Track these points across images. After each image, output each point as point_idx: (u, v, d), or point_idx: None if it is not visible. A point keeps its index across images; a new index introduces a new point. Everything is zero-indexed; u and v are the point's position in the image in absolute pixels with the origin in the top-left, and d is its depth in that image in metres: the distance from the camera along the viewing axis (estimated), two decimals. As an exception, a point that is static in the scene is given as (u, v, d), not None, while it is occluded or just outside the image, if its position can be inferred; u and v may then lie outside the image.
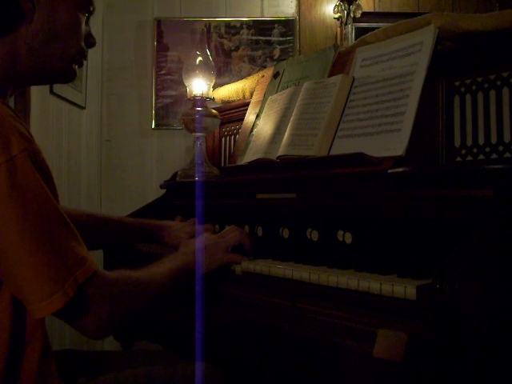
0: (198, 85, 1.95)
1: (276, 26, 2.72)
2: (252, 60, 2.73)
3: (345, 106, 1.44)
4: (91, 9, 1.06)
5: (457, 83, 1.27)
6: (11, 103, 1.58)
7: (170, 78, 2.72)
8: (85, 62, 2.49)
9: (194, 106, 1.95)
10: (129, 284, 0.96)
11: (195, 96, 1.95)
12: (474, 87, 1.24)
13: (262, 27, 2.72)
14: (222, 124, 2.06)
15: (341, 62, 1.58)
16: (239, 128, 1.95)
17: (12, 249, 0.80)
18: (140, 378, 1.09)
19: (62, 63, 1.01)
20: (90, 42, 1.08)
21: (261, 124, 1.72)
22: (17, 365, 0.91)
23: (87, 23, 1.07)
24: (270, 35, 2.72)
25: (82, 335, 0.92)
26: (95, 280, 0.87)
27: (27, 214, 0.80)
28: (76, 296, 0.83)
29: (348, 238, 1.28)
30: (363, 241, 1.24)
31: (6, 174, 0.78)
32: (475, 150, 1.23)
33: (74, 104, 2.42)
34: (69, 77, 1.06)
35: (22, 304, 0.86)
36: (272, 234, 1.48)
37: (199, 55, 1.97)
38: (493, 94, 1.20)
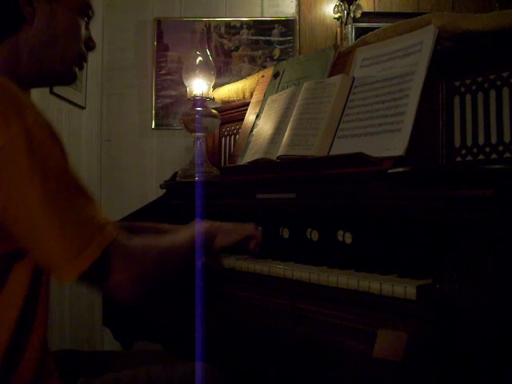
0: (198, 85, 1.95)
1: (276, 26, 2.72)
2: (252, 60, 2.72)
3: (345, 106, 1.44)
4: (91, 13, 1.07)
5: (457, 83, 1.27)
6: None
7: (170, 78, 2.72)
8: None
9: (194, 105, 1.95)
10: (151, 248, 0.98)
11: (195, 96, 1.95)
12: (474, 87, 1.24)
13: (261, 27, 2.72)
14: (222, 124, 2.06)
15: (341, 62, 1.58)
16: (239, 128, 1.95)
17: (37, 215, 0.81)
18: (139, 378, 1.09)
19: (62, 66, 1.03)
20: (90, 45, 1.09)
21: (261, 124, 1.72)
22: (19, 349, 0.91)
23: (87, 27, 1.08)
24: (269, 35, 2.72)
25: (117, 299, 0.92)
26: (119, 244, 0.89)
27: (48, 180, 0.82)
28: (103, 256, 0.85)
29: (348, 238, 1.28)
30: (363, 241, 1.24)
31: (25, 141, 0.80)
32: (475, 150, 1.23)
33: (74, 104, 2.42)
34: (69, 79, 1.08)
35: (38, 283, 0.89)
36: (272, 234, 1.48)
37: (199, 55, 1.97)
38: (493, 93, 1.20)
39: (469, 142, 1.24)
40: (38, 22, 0.98)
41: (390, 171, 1.17)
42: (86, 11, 1.06)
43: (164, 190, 2.05)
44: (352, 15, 2.63)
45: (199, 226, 1.19)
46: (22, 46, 0.97)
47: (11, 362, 0.91)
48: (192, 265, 1.17)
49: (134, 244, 0.93)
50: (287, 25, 2.72)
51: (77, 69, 1.07)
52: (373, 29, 1.62)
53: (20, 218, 0.82)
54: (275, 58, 2.70)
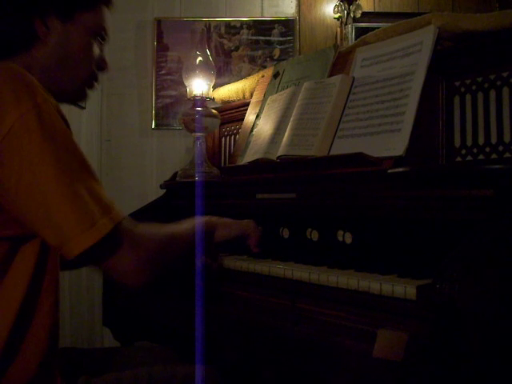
0: (198, 85, 1.95)
1: (276, 26, 2.72)
2: (252, 60, 2.72)
3: (345, 106, 1.44)
4: (104, 35, 1.11)
5: (457, 83, 1.27)
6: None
7: (170, 78, 2.72)
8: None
9: (194, 105, 1.95)
10: (158, 232, 1.00)
11: (195, 96, 1.95)
12: (474, 87, 1.24)
13: (261, 27, 2.72)
14: (222, 124, 2.06)
15: (341, 61, 1.58)
16: (239, 128, 1.95)
17: (50, 186, 0.83)
18: (140, 378, 1.09)
19: (72, 85, 1.08)
20: (102, 66, 1.13)
21: (261, 124, 1.72)
22: (22, 335, 0.91)
23: (100, 48, 1.12)
24: (270, 35, 2.72)
25: (120, 281, 0.92)
26: (126, 225, 0.91)
27: (59, 156, 0.85)
28: (113, 233, 0.86)
29: (348, 238, 1.28)
30: (363, 241, 1.24)
31: (36, 117, 0.83)
32: (475, 150, 1.23)
33: (74, 104, 2.42)
34: (79, 98, 1.13)
35: (42, 270, 0.90)
36: (272, 234, 1.48)
37: (199, 55, 1.97)
38: (493, 94, 1.20)
39: (469, 142, 1.24)
40: (51, 42, 1.02)
41: (389, 171, 1.17)
42: (100, 33, 1.09)
43: (164, 190, 2.05)
44: (352, 15, 2.63)
45: (200, 219, 1.20)
46: (34, 63, 1.01)
47: (14, 348, 0.91)
48: (192, 263, 1.18)
49: (139, 229, 0.95)
50: (287, 25, 2.72)
51: (87, 88, 1.11)
52: (373, 29, 1.62)
53: (33, 190, 0.83)
54: (275, 58, 2.70)
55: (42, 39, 1.01)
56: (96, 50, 1.10)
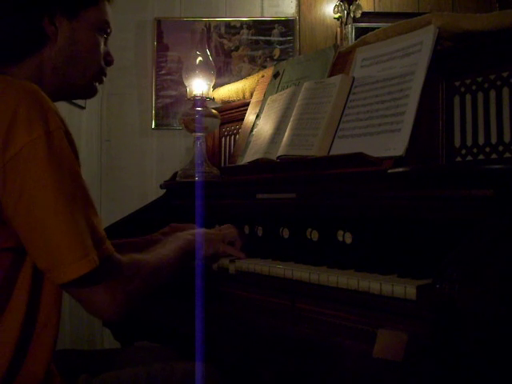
0: (198, 85, 1.95)
1: (276, 26, 2.72)
2: (252, 60, 2.72)
3: (345, 106, 1.44)
4: (109, 31, 1.12)
5: (457, 83, 1.27)
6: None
7: (170, 78, 2.72)
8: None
9: (194, 105, 1.95)
10: (140, 267, 1.00)
11: (195, 96, 1.95)
12: (474, 87, 1.24)
13: (261, 27, 2.72)
14: (222, 124, 2.06)
15: (341, 61, 1.58)
16: (239, 128, 1.95)
17: (48, 212, 0.84)
18: (139, 376, 1.09)
19: (83, 81, 1.09)
20: (109, 60, 1.14)
21: (261, 124, 1.72)
22: (27, 350, 0.92)
23: (106, 43, 1.13)
24: (270, 35, 2.72)
25: (93, 314, 0.94)
26: (113, 260, 0.92)
27: (63, 184, 0.86)
28: (100, 267, 0.87)
29: (348, 238, 1.28)
30: (363, 241, 1.24)
31: (46, 144, 0.85)
32: (475, 150, 1.23)
33: (74, 104, 2.42)
34: (90, 93, 1.14)
35: (39, 284, 0.91)
36: (272, 233, 1.48)
37: (199, 55, 1.97)
38: (493, 93, 1.20)
39: (469, 142, 1.24)
40: (60, 40, 1.03)
41: (389, 171, 1.17)
42: (105, 28, 1.11)
43: (164, 190, 2.05)
44: (352, 15, 2.63)
45: (184, 238, 1.22)
46: (45, 62, 1.03)
47: (22, 354, 0.92)
48: (184, 270, 1.19)
49: (126, 263, 0.96)
50: (287, 25, 2.72)
51: (97, 83, 1.13)
52: (373, 29, 1.62)
53: (30, 212, 0.84)
54: (275, 58, 2.70)
55: (51, 38, 1.02)
56: (102, 45, 1.11)
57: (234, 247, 1.35)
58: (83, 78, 1.09)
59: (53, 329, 0.96)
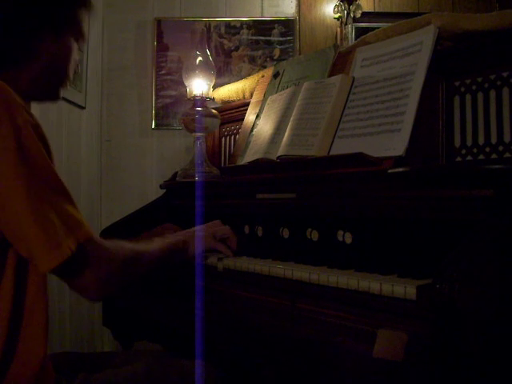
0: (198, 85, 1.95)
1: (276, 26, 2.72)
2: (252, 60, 2.72)
3: (345, 106, 1.44)
4: (84, 39, 1.13)
5: (457, 83, 1.27)
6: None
7: (170, 78, 2.72)
8: (85, 62, 2.48)
9: (194, 105, 1.95)
10: (123, 250, 1.04)
11: (195, 96, 1.95)
12: (474, 87, 1.24)
13: (261, 27, 2.72)
14: (222, 124, 2.06)
15: (341, 61, 1.58)
16: (239, 128, 1.95)
17: (20, 207, 0.86)
18: (138, 374, 1.10)
19: (54, 90, 1.11)
20: (76, 69, 1.18)
21: (261, 124, 1.72)
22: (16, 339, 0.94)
23: (80, 49, 1.13)
24: (270, 35, 2.72)
25: (82, 296, 0.98)
26: (93, 243, 0.94)
27: (33, 178, 0.88)
28: (77, 253, 0.90)
29: (348, 238, 1.28)
30: (363, 241, 1.24)
31: (15, 141, 0.86)
32: (475, 150, 1.23)
33: (74, 104, 2.42)
34: (54, 99, 1.15)
35: (25, 269, 0.93)
36: (272, 233, 1.48)
37: (199, 55, 1.97)
38: (493, 93, 1.20)
39: (469, 142, 1.24)
40: (44, 56, 1.04)
41: (389, 171, 1.17)
42: (83, 39, 1.12)
43: (164, 190, 2.05)
44: (352, 15, 2.63)
45: (173, 237, 1.27)
46: (23, 75, 1.03)
47: (12, 347, 0.93)
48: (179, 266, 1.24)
49: (106, 245, 0.99)
50: (287, 25, 2.72)
51: (62, 89, 1.14)
52: (373, 29, 1.62)
53: (4, 208, 0.87)
54: (275, 58, 2.70)
55: (35, 55, 1.03)
56: (76, 54, 1.12)
57: (225, 245, 1.39)
58: (55, 88, 1.10)
59: (41, 314, 0.97)
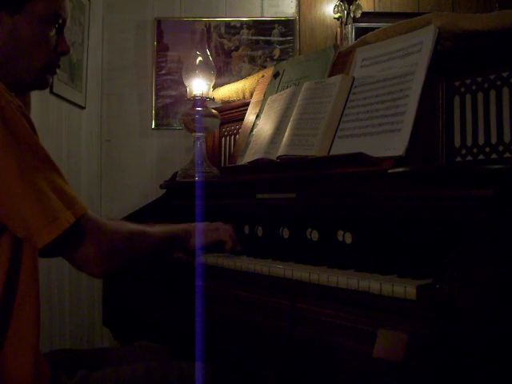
0: (198, 85, 1.95)
1: (276, 26, 2.72)
2: (252, 60, 2.72)
3: (345, 106, 1.44)
4: (61, 21, 1.08)
5: (457, 83, 1.27)
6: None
7: (170, 78, 2.72)
8: (85, 62, 2.48)
9: (194, 105, 1.95)
10: (125, 227, 1.04)
11: (195, 96, 1.95)
12: (474, 87, 1.24)
13: (261, 27, 2.72)
14: (222, 124, 2.06)
15: (341, 61, 1.58)
16: (239, 128, 1.95)
17: (12, 183, 0.86)
18: (138, 372, 1.10)
19: (30, 75, 1.06)
20: (61, 50, 1.10)
21: (261, 124, 1.72)
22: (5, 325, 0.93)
23: (60, 32, 1.09)
24: (270, 35, 2.72)
25: (84, 271, 0.97)
26: (90, 218, 0.95)
27: (21, 154, 0.87)
28: (75, 226, 0.90)
29: (348, 238, 1.28)
30: (363, 241, 1.24)
31: (0, 120, 0.85)
32: (475, 150, 1.23)
33: (74, 104, 2.42)
34: (41, 86, 1.11)
35: (18, 256, 0.93)
36: (272, 234, 1.48)
37: (199, 55, 1.97)
38: (493, 93, 1.20)
39: (469, 142, 1.24)
40: (1, 36, 1.00)
41: (390, 171, 1.17)
42: (54, 20, 1.06)
43: (164, 190, 2.05)
44: (352, 15, 2.63)
45: (177, 226, 1.27)
46: None
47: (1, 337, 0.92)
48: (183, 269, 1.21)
49: (105, 221, 0.99)
50: (287, 25, 2.72)
51: (49, 75, 1.10)
52: (373, 29, 1.62)
53: None
54: (275, 58, 2.70)
55: None
56: (53, 36, 1.07)
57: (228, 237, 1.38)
58: (29, 72, 1.05)
59: (32, 303, 0.96)
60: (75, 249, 0.93)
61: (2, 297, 0.92)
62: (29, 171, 0.87)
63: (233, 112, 2.05)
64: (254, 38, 2.72)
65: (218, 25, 2.73)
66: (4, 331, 0.93)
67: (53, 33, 1.07)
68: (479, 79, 1.23)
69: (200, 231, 1.32)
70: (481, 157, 1.21)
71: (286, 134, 1.52)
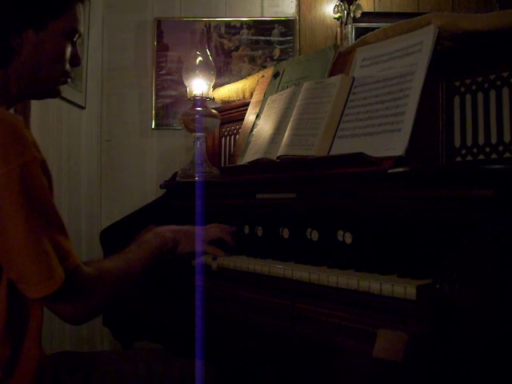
0: (198, 85, 1.95)
1: (276, 26, 2.72)
2: (252, 60, 2.72)
3: (345, 106, 1.43)
4: (77, 35, 1.12)
5: (457, 83, 1.27)
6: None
7: (170, 78, 2.72)
8: (85, 62, 2.48)
9: (194, 105, 1.95)
10: (105, 278, 1.05)
11: (195, 96, 1.95)
12: (474, 87, 1.24)
13: (261, 27, 2.72)
14: (222, 124, 2.06)
15: (341, 61, 1.58)
16: (239, 128, 1.95)
17: (17, 240, 0.90)
18: (139, 372, 1.11)
19: (47, 86, 1.11)
20: (76, 63, 1.15)
21: (261, 124, 1.72)
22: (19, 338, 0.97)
23: (74, 45, 1.13)
24: (269, 35, 2.72)
25: (63, 320, 1.02)
26: (77, 273, 0.97)
27: (33, 213, 0.91)
28: (65, 281, 0.93)
29: (348, 238, 1.28)
30: (363, 241, 1.24)
31: (20, 175, 0.89)
32: (475, 150, 1.23)
33: (74, 104, 2.42)
34: (53, 95, 1.16)
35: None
36: (272, 233, 1.48)
37: (199, 55, 1.97)
38: (493, 93, 1.20)
39: (469, 142, 1.24)
40: (25, 52, 1.04)
41: (390, 171, 1.17)
42: (73, 35, 1.11)
43: (164, 190, 2.05)
44: (352, 15, 2.63)
45: (158, 240, 1.27)
46: (11, 74, 1.05)
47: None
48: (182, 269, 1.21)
49: (90, 274, 1.01)
50: (287, 25, 2.72)
51: (60, 86, 1.14)
52: (373, 29, 1.61)
53: (2, 238, 0.90)
54: (275, 58, 2.70)
55: (17, 51, 1.03)
56: (69, 49, 1.11)
57: (213, 246, 1.40)
58: (46, 84, 1.10)
59: (37, 316, 1.00)
60: (56, 305, 0.98)
61: (8, 310, 0.95)
62: (34, 230, 0.91)
63: (233, 112, 2.05)
64: (254, 37, 2.72)
65: (217, 25, 2.73)
66: (23, 331, 0.97)
67: (70, 46, 1.11)
68: (479, 79, 1.23)
69: (187, 237, 1.34)
70: (481, 157, 1.21)
71: (286, 134, 1.52)
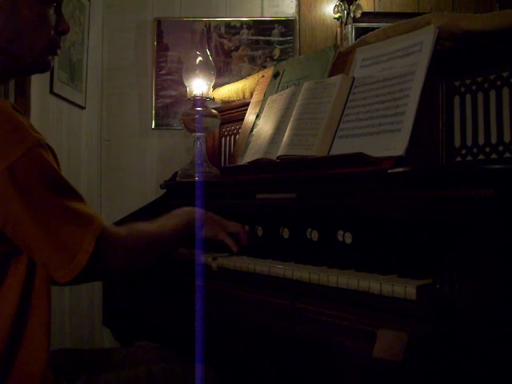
0: (198, 85, 1.95)
1: (276, 26, 2.72)
2: (252, 60, 2.72)
3: (345, 106, 1.43)
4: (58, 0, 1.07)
5: (457, 83, 1.27)
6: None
7: (170, 78, 2.72)
8: (85, 62, 2.48)
9: (194, 105, 1.95)
10: (139, 237, 1.05)
11: (195, 96, 1.95)
12: (473, 87, 1.24)
13: (262, 27, 2.72)
14: (222, 124, 2.06)
15: (341, 61, 1.58)
16: (239, 128, 1.95)
17: (29, 232, 0.90)
18: (139, 377, 1.10)
19: (32, 56, 1.04)
20: (62, 29, 1.09)
21: (261, 124, 1.72)
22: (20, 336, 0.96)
23: (58, 11, 1.07)
24: (270, 35, 2.72)
25: (105, 280, 1.05)
26: (108, 234, 0.96)
27: (35, 200, 0.90)
28: (94, 252, 0.92)
29: (348, 238, 1.28)
30: (363, 241, 1.24)
31: (26, 160, 0.88)
32: (475, 150, 1.23)
33: (74, 104, 2.42)
34: (43, 68, 1.10)
35: (32, 274, 0.96)
36: (272, 233, 1.48)
37: (199, 55, 1.97)
38: (493, 93, 1.20)
39: (469, 142, 1.24)
40: (0, 19, 0.99)
41: (390, 171, 1.17)
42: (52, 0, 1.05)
43: (164, 190, 2.05)
44: (352, 15, 2.63)
45: (188, 215, 1.28)
46: None
47: (13, 352, 0.95)
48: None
49: (122, 232, 1.00)
50: (287, 25, 2.72)
51: (50, 56, 1.08)
52: (373, 29, 1.61)
53: (17, 233, 0.90)
54: (275, 58, 2.70)
55: None
56: (52, 15, 1.05)
57: (232, 239, 1.37)
58: (31, 53, 1.04)
59: (44, 316, 0.98)
60: (98, 271, 0.97)
61: (17, 309, 0.95)
62: (42, 218, 0.90)
63: (233, 112, 2.05)
64: (254, 38, 2.72)
65: (217, 25, 2.73)
66: (19, 339, 0.96)
67: (52, 12, 1.05)
68: (479, 79, 1.23)
69: (210, 223, 1.33)
70: (481, 157, 1.21)
71: (286, 134, 1.52)
